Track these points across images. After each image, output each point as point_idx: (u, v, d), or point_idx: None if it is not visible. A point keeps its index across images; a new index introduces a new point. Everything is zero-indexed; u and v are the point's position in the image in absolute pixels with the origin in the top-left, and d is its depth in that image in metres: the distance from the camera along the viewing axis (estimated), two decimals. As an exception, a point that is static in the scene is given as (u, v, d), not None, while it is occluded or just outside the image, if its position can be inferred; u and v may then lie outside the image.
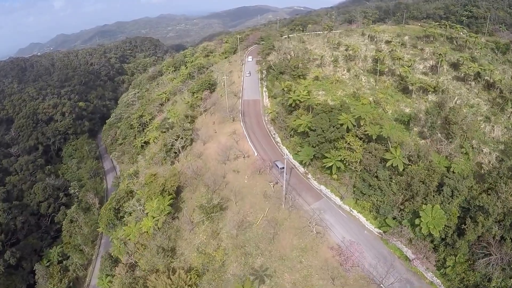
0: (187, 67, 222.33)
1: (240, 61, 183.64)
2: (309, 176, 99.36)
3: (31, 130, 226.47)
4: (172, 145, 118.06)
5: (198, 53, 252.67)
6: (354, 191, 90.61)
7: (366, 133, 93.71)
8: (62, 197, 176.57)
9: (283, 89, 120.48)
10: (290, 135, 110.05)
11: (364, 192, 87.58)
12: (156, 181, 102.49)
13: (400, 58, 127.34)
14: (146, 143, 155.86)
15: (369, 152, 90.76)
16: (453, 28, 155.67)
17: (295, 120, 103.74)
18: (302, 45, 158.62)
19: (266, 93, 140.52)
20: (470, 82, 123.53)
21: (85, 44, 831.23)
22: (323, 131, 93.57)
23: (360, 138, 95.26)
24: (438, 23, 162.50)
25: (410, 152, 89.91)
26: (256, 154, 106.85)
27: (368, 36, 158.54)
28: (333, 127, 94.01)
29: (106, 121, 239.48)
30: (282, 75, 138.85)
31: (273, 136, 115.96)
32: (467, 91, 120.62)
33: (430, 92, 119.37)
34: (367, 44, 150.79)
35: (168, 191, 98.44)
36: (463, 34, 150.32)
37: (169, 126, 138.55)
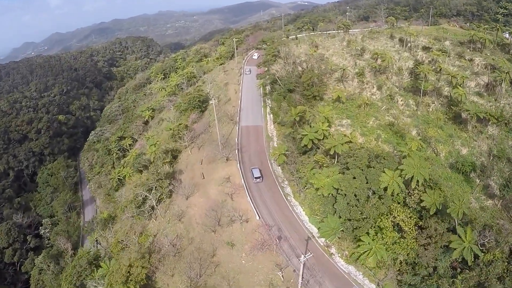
0: (177, 74, 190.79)
1: (238, 70, 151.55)
2: (333, 250, 69.53)
3: (1, 153, 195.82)
4: (145, 199, 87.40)
5: (190, 57, 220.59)
6: (399, 284, 60.33)
7: (421, 203, 62.43)
8: (30, 241, 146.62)
9: (294, 118, 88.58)
10: (305, 186, 78.89)
11: (415, 289, 57.82)
12: (120, 264, 72.84)
13: (452, 75, 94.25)
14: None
15: (427, 236, 59.83)
16: (505, 32, 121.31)
17: (313, 171, 72.64)
18: (315, 51, 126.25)
19: (271, 116, 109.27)
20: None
21: (81, 42, 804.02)
22: (357, 199, 62.21)
23: (409, 206, 64.37)
24: (487, 25, 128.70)
25: (487, 236, 58.74)
26: (258, 217, 75.79)
27: (399, 40, 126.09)
28: (373, 192, 62.71)
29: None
30: (291, 93, 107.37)
31: (282, 185, 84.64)
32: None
33: (490, 123, 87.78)
34: (399, 51, 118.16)
35: (135, 280, 68.59)
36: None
37: (146, 163, 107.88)
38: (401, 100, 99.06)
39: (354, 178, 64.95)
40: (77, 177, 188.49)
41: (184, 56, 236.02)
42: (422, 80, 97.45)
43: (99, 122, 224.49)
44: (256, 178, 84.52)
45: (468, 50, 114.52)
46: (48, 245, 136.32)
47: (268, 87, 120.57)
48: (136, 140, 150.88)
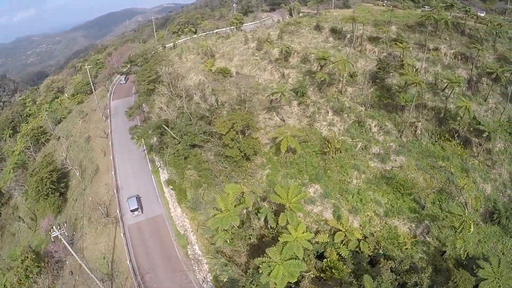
0: (29, 125, 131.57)
1: (103, 111, 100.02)
2: None
3: None
4: None
5: (42, 97, 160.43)
6: None
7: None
8: None
9: (230, 221, 44.63)
10: None
11: None
12: None
13: (455, 82, 58.23)
14: None
15: None
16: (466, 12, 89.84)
17: None
18: (213, 64, 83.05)
19: (172, 192, 64.08)
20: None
21: None
22: None
23: None
24: (445, 3, 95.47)
25: None
26: None
27: (332, 31, 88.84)
28: None
29: None
30: (199, 149, 63.77)
31: None
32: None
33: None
34: (338, 47, 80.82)
35: None
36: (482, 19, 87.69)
37: None
38: (375, 126, 61.84)
39: None
40: None
41: (35, 95, 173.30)
42: (400, 91, 61.49)
43: None
44: (132, 211, 60.64)
45: (427, 37, 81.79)
46: None
47: (154, 141, 74.85)
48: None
